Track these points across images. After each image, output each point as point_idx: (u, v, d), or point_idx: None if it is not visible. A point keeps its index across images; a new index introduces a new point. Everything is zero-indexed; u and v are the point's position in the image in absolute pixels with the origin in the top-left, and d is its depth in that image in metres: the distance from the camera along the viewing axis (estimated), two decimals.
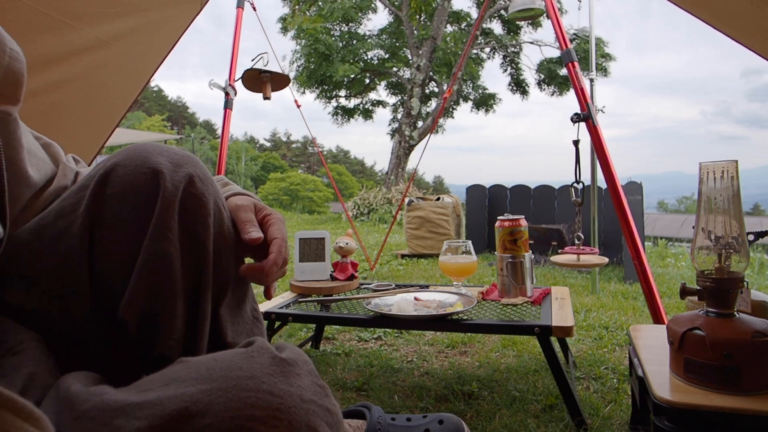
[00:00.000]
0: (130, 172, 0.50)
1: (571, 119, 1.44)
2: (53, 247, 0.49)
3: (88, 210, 0.49)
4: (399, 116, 11.87)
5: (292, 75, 10.89)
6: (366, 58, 11.59)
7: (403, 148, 10.29)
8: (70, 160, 0.65)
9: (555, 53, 10.70)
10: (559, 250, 1.49)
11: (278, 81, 2.05)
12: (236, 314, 0.56)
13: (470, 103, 12.32)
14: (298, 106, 2.93)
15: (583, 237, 1.47)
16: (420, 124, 10.70)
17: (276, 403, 0.34)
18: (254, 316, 0.59)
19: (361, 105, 12.68)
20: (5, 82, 0.47)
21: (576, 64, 1.48)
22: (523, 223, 1.23)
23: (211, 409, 0.32)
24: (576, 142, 1.47)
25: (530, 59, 23.71)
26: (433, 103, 11.54)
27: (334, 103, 12.22)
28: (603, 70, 10.48)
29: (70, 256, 0.49)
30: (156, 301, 0.48)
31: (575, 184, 1.47)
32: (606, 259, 1.43)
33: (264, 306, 1.27)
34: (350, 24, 11.34)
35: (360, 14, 11.16)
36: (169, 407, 0.32)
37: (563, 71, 10.60)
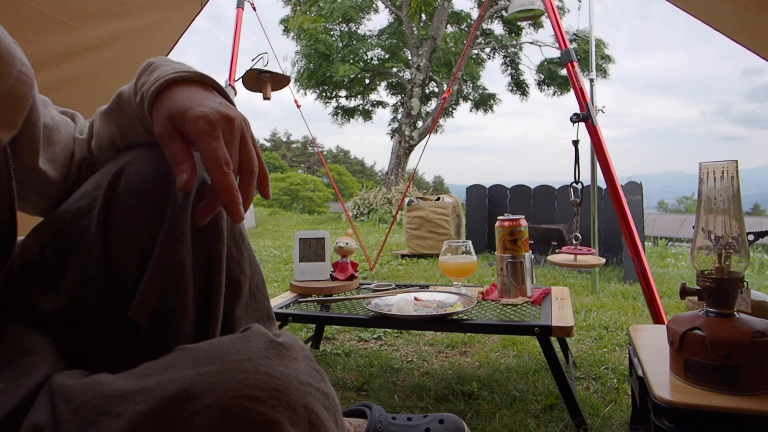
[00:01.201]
0: (141, 172, 0.51)
1: (571, 119, 1.44)
2: (72, 249, 0.50)
3: (102, 211, 0.49)
4: (399, 116, 11.88)
5: (293, 76, 10.90)
6: (366, 58, 11.59)
7: (403, 148, 10.29)
8: (83, 130, 0.65)
9: (555, 53, 10.70)
10: (557, 250, 1.49)
11: (278, 81, 2.05)
12: (251, 315, 0.56)
13: (470, 103, 12.33)
14: (298, 106, 2.93)
15: (580, 237, 1.47)
16: (420, 124, 10.70)
17: (274, 383, 0.34)
18: (267, 315, 0.59)
19: (361, 105, 12.69)
20: (5, 105, 0.44)
21: (575, 64, 1.48)
22: (523, 223, 1.23)
23: (209, 390, 0.32)
24: (575, 142, 1.47)
25: (530, 59, 23.74)
26: (433, 103, 11.54)
27: (334, 103, 12.23)
28: (603, 72, 10.48)
29: (88, 257, 0.49)
30: (166, 303, 0.48)
31: (574, 184, 1.47)
32: (602, 260, 1.43)
33: None
34: (350, 24, 11.35)
35: (360, 14, 11.16)
36: (169, 390, 0.33)
37: (563, 71, 10.61)
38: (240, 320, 0.54)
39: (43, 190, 0.59)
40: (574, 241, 1.47)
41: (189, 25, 2.00)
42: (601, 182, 1.93)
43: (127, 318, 0.48)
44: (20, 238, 0.56)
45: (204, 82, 0.52)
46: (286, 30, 11.11)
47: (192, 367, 0.34)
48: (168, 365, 0.36)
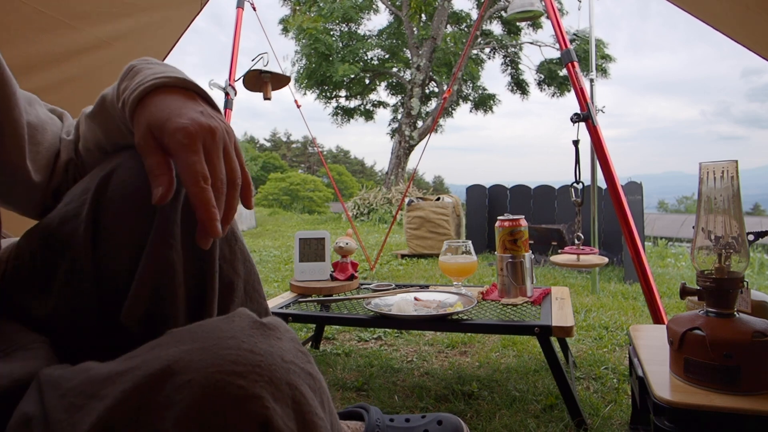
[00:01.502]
0: (131, 175, 0.50)
1: (571, 119, 1.44)
2: (60, 253, 0.49)
3: (90, 215, 0.49)
4: (399, 116, 11.88)
5: (292, 76, 10.90)
6: (366, 58, 11.59)
7: (403, 148, 10.29)
8: (70, 131, 0.64)
9: (555, 54, 10.71)
10: (559, 250, 1.49)
11: (278, 80, 2.05)
12: None
13: (470, 103, 12.33)
14: (298, 106, 2.93)
15: (582, 237, 1.47)
16: (420, 124, 10.70)
17: (256, 360, 0.34)
18: (264, 314, 0.59)
19: (361, 105, 12.69)
20: None
21: (576, 64, 1.48)
22: (523, 223, 1.23)
23: (192, 366, 0.33)
24: (576, 142, 1.47)
25: (530, 60, 23.72)
26: (433, 103, 11.54)
27: (334, 103, 12.23)
28: (603, 71, 10.48)
29: (76, 262, 0.48)
30: (158, 308, 0.48)
31: (575, 184, 1.47)
32: (605, 259, 1.43)
33: None
34: (350, 24, 11.35)
35: (360, 14, 11.16)
36: (152, 367, 0.33)
37: (563, 71, 10.61)
38: (242, 305, 0.54)
39: (28, 191, 0.58)
40: (576, 241, 1.46)
41: (189, 25, 2.00)
42: (601, 182, 1.93)
43: (119, 322, 0.48)
44: (16, 239, 0.56)
45: (186, 88, 0.50)
46: (285, 30, 11.11)
47: (175, 345, 0.35)
48: (154, 346, 0.36)
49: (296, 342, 0.40)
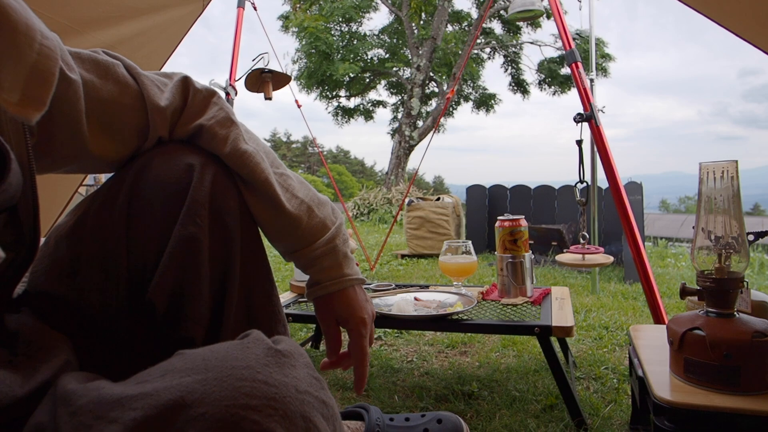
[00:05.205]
0: (164, 164, 0.54)
1: (574, 119, 1.44)
2: (94, 236, 0.52)
3: (125, 200, 0.52)
4: (399, 116, 11.88)
5: (293, 74, 10.90)
6: (366, 57, 11.60)
7: (403, 148, 10.30)
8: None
9: (555, 53, 10.71)
10: (564, 250, 1.49)
11: (278, 80, 2.05)
12: (275, 303, 0.59)
13: (471, 103, 12.34)
14: (299, 106, 2.93)
15: (588, 236, 1.47)
16: (420, 124, 10.71)
17: (271, 392, 0.34)
18: (280, 317, 0.62)
19: (361, 105, 12.70)
20: (30, 82, 0.41)
21: (579, 64, 1.48)
22: (523, 223, 1.23)
23: (206, 398, 0.32)
24: (579, 142, 1.47)
25: (530, 59, 23.71)
26: (433, 103, 11.55)
27: (334, 103, 12.24)
28: (603, 71, 10.49)
29: (109, 245, 0.51)
30: (182, 283, 0.51)
31: (579, 184, 1.47)
32: (611, 258, 1.42)
33: None
34: (351, 23, 11.36)
35: (360, 14, 11.17)
36: (165, 397, 0.32)
37: (563, 71, 10.61)
38: (260, 306, 0.57)
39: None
40: (581, 240, 1.46)
41: (191, 27, 2.01)
42: (601, 182, 1.93)
43: (143, 305, 0.50)
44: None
45: (362, 282, 0.68)
46: (285, 27, 11.11)
47: (189, 374, 0.34)
48: (166, 371, 0.35)
49: (310, 368, 0.40)
